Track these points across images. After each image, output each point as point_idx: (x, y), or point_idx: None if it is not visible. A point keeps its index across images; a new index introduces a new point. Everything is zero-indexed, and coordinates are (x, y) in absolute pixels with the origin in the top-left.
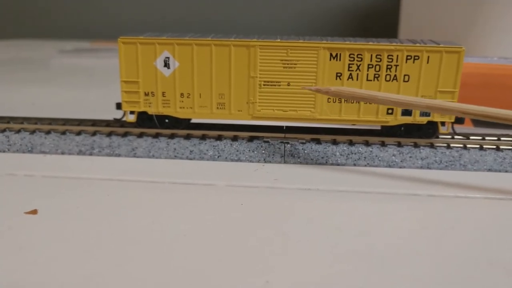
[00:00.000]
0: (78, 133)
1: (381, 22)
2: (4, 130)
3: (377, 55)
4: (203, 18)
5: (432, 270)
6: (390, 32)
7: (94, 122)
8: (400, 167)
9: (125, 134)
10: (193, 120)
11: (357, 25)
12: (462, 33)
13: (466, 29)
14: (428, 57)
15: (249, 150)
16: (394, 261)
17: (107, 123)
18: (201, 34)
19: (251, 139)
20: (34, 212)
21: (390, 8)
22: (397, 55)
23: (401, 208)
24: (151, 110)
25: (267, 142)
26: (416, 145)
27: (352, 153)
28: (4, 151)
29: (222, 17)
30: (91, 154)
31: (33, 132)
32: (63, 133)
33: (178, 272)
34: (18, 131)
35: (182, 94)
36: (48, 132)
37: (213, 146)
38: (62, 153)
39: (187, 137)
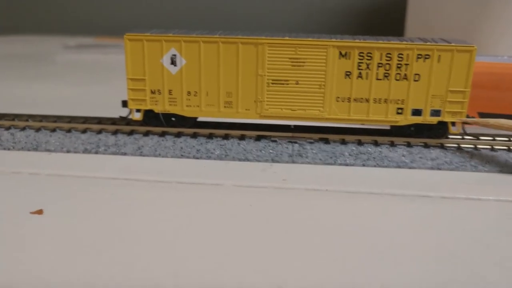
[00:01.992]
0: (84, 131)
1: (387, 19)
2: (9, 128)
3: (387, 53)
4: (210, 14)
5: (444, 272)
6: (396, 29)
7: (100, 120)
8: (410, 168)
9: (131, 133)
10: (200, 119)
11: (363, 22)
12: (471, 31)
13: (475, 27)
14: (439, 56)
15: (257, 150)
16: (405, 263)
17: (112, 121)
18: (208, 31)
19: (258, 138)
20: (40, 212)
21: (396, 5)
22: (408, 54)
23: (412, 210)
24: (158, 108)
25: (275, 141)
26: (426, 146)
27: (361, 153)
28: (9, 149)
29: (228, 14)
30: (96, 153)
31: (38, 130)
32: (69, 131)
33: (185, 273)
34: (23, 129)
35: (189, 92)
36: (53, 130)
37: (220, 145)
38: (68, 151)
39: (194, 135)
